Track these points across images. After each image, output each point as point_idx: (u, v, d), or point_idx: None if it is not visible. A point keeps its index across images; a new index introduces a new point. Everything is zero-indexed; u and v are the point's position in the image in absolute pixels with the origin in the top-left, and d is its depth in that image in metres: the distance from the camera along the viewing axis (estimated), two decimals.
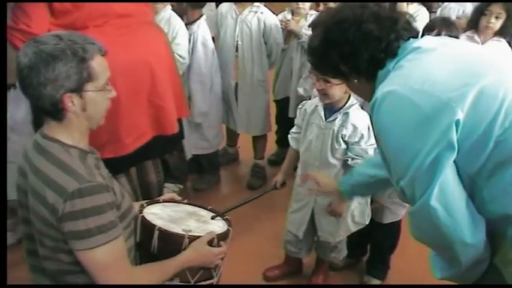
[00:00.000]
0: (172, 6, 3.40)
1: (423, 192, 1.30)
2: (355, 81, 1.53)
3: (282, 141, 3.89)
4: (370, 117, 1.41)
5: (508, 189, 1.29)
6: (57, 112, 1.54)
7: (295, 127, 2.61)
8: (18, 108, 2.73)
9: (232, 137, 4.00)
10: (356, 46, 1.45)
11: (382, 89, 1.36)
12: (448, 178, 1.29)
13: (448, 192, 1.30)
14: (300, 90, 3.10)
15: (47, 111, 1.55)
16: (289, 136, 2.62)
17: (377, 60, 1.45)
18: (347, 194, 2.08)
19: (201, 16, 3.46)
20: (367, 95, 1.53)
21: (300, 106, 2.60)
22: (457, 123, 1.25)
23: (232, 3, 3.57)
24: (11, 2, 2.03)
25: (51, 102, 1.51)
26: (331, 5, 3.50)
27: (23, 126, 2.69)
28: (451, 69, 1.33)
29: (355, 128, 2.32)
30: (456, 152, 1.27)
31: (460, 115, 1.25)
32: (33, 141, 1.61)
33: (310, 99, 2.71)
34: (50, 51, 1.48)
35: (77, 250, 1.48)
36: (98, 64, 1.55)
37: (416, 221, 1.40)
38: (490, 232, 1.36)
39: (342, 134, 2.34)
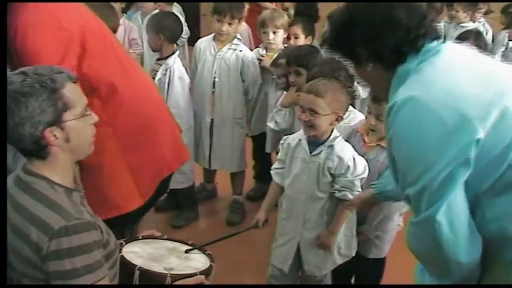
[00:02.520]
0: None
1: (431, 204, 1.29)
2: (369, 67, 1.47)
3: (260, 177, 3.90)
4: (386, 120, 1.37)
5: None
6: (40, 150, 1.50)
7: (277, 162, 2.61)
8: None
9: (209, 173, 3.98)
10: (382, 31, 1.40)
11: (403, 93, 1.34)
12: (458, 195, 1.30)
13: (455, 210, 1.29)
14: (271, 125, 3.13)
15: (30, 151, 1.50)
16: (272, 172, 2.60)
17: (400, 52, 1.40)
18: (380, 196, 2.13)
19: (174, 51, 3.48)
20: (375, 83, 1.50)
21: (282, 141, 2.61)
22: (477, 142, 1.25)
23: (212, 39, 3.61)
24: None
25: (32, 140, 1.47)
26: (300, 40, 3.61)
27: None
28: (474, 84, 1.32)
29: (341, 159, 2.34)
30: (471, 169, 1.27)
31: (482, 134, 1.25)
32: (15, 177, 1.56)
33: (289, 133, 2.71)
34: (17, 89, 1.45)
35: None
36: (71, 91, 1.52)
37: (416, 232, 1.38)
38: (484, 251, 1.37)
39: (328, 167, 2.35)
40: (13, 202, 1.49)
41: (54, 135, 1.49)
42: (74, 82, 1.55)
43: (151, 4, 4.87)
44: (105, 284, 1.51)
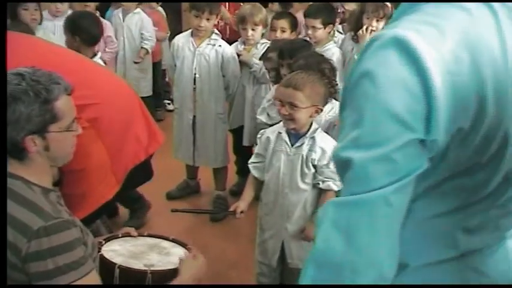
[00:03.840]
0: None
1: (390, 181, 0.88)
2: None
3: (243, 171, 3.90)
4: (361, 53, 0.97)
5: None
6: (18, 152, 1.49)
7: (254, 156, 2.60)
8: None
9: (192, 169, 3.98)
10: None
11: (400, 29, 0.93)
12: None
13: (406, 198, 0.92)
14: (262, 118, 3.14)
15: (8, 151, 1.49)
16: (250, 166, 2.60)
17: None
18: None
19: (95, 55, 3.40)
20: None
21: (259, 135, 2.61)
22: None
23: (190, 35, 3.59)
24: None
25: (11, 142, 1.46)
26: (286, 34, 3.61)
27: None
28: None
29: (323, 151, 2.35)
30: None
31: None
32: None
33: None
34: (10, 91, 1.43)
35: None
36: (64, 104, 1.51)
37: (349, 214, 0.90)
38: None
39: (311, 159, 2.36)
40: None
41: (34, 142, 1.48)
42: (69, 94, 1.54)
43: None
44: (98, 284, 1.51)
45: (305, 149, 2.37)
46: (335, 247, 0.90)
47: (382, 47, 0.91)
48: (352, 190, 0.91)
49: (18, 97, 1.43)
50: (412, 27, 0.93)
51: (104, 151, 2.17)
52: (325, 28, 3.56)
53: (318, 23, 3.54)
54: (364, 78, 0.92)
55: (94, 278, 1.51)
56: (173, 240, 1.94)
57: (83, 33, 3.31)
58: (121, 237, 1.92)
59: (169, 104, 5.70)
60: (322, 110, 2.41)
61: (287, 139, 2.42)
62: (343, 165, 0.92)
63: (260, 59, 3.47)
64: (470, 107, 0.92)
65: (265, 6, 4.14)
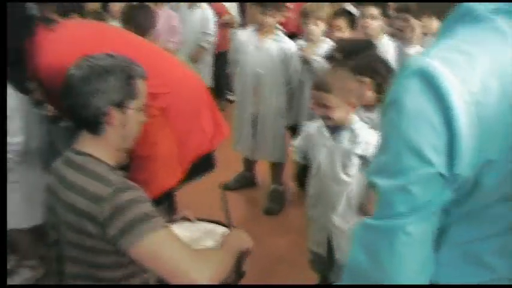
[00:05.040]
0: None
1: (407, 211, 0.92)
2: None
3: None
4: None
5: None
6: (97, 124, 1.61)
7: (295, 148, 2.66)
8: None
9: (249, 162, 4.05)
10: None
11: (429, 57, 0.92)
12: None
13: (429, 227, 0.97)
14: None
15: (88, 122, 1.62)
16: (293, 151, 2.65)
17: None
18: None
19: None
20: None
21: (302, 131, 2.65)
22: None
23: (253, 31, 3.66)
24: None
25: (96, 113, 1.59)
26: (343, 33, 3.59)
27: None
28: None
29: (367, 143, 2.33)
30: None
31: None
32: (64, 158, 1.66)
33: None
34: (103, 64, 1.60)
35: (133, 244, 1.46)
36: (141, 85, 1.67)
37: (373, 236, 0.97)
38: None
39: (353, 151, 2.36)
40: (63, 180, 1.59)
41: (115, 116, 1.61)
42: (144, 80, 1.69)
43: None
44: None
45: (344, 141, 2.38)
46: (361, 264, 0.99)
47: (410, 76, 0.92)
48: (377, 213, 0.97)
49: (110, 70, 1.60)
50: (443, 55, 0.92)
51: (172, 140, 2.24)
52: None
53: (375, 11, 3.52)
54: (392, 105, 0.94)
55: (174, 232, 1.56)
56: (229, 226, 1.95)
57: (135, 23, 3.47)
58: (179, 221, 1.98)
59: (230, 94, 5.83)
60: (359, 104, 2.41)
61: (327, 133, 2.44)
62: (372, 187, 0.98)
63: (325, 58, 3.47)
64: (499, 137, 0.91)
65: None
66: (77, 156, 1.62)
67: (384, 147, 0.96)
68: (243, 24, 5.37)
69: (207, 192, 3.63)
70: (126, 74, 1.62)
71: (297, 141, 2.67)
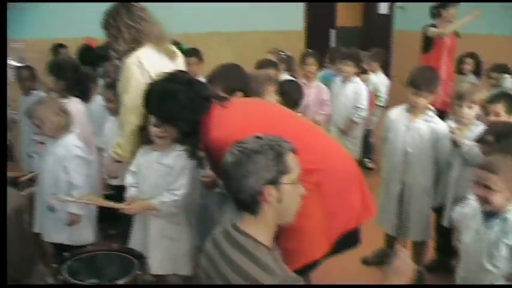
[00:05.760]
0: None
1: None
2: None
3: (442, 249, 3.85)
4: None
5: None
6: (254, 204, 1.71)
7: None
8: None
9: (391, 239, 4.03)
10: None
11: None
12: None
13: None
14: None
15: (246, 203, 1.73)
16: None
17: None
18: None
19: None
20: None
21: (456, 209, 2.61)
22: None
23: (405, 111, 3.72)
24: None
25: (251, 193, 1.70)
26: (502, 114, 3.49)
27: None
28: None
29: None
30: None
31: None
32: (224, 230, 1.78)
33: None
34: (251, 147, 1.72)
35: None
36: (291, 160, 1.75)
37: None
38: None
39: (503, 242, 2.29)
40: (223, 255, 1.71)
41: (270, 194, 1.71)
42: (294, 153, 1.79)
43: (351, 69, 5.14)
44: None
45: (496, 228, 2.31)
46: None
47: None
48: None
49: (258, 150, 1.71)
50: None
51: (322, 214, 2.30)
52: None
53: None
54: None
55: None
56: None
57: (287, 97, 3.67)
58: None
59: (369, 162, 5.91)
60: None
61: (480, 217, 2.38)
62: None
63: (477, 142, 3.41)
64: None
65: None
66: (237, 234, 1.73)
67: None
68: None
69: (346, 263, 3.69)
70: (275, 152, 1.71)
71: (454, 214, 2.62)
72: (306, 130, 2.56)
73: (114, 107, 3.25)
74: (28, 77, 4.62)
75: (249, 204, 1.73)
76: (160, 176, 2.84)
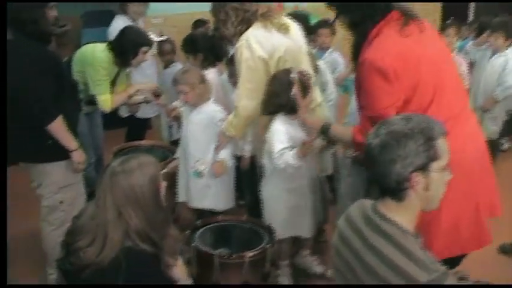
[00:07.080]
0: None
1: None
2: None
3: None
4: None
5: None
6: (400, 191, 1.60)
7: None
8: None
9: None
10: None
11: None
12: None
13: None
14: None
15: (390, 189, 1.61)
16: None
17: None
18: None
19: None
20: None
21: None
22: None
23: None
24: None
25: (398, 179, 1.57)
26: None
27: None
28: None
29: None
30: None
31: None
32: (362, 213, 1.68)
33: None
34: (400, 130, 1.57)
35: None
36: (442, 144, 1.59)
37: None
38: None
39: None
40: (366, 242, 1.60)
41: (418, 181, 1.57)
42: (445, 137, 1.61)
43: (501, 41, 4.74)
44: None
45: None
46: None
47: None
48: None
49: (408, 134, 1.55)
50: None
51: (457, 208, 2.13)
52: None
53: None
54: None
55: None
56: None
57: None
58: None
59: (505, 142, 5.58)
60: None
61: None
62: None
63: None
64: None
65: None
66: (381, 220, 1.62)
67: None
68: None
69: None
70: (426, 136, 1.55)
71: None
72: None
73: (235, 82, 3.32)
74: (169, 50, 4.88)
75: (395, 191, 1.62)
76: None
